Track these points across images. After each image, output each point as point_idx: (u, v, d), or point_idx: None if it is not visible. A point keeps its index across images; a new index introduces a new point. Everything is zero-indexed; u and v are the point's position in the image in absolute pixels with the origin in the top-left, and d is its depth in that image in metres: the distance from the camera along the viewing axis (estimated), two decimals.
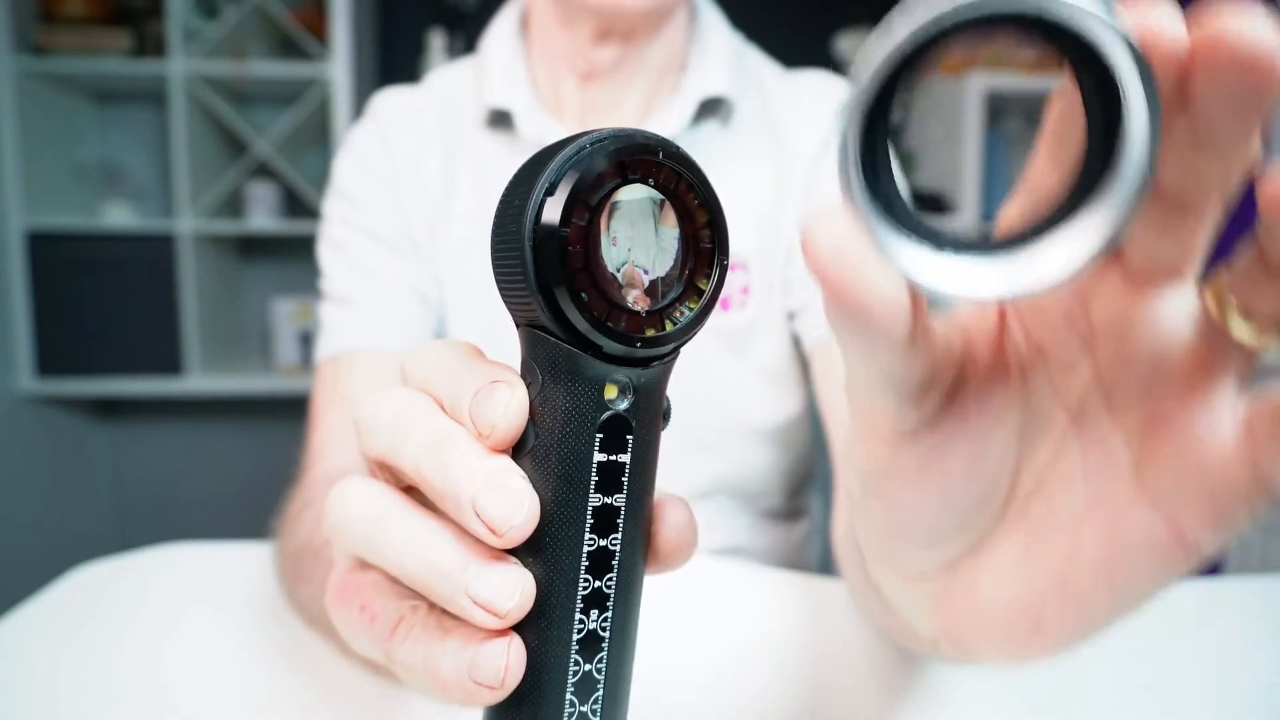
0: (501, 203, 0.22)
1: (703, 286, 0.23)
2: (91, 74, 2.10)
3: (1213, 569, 1.98)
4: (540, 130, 0.70)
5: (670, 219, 0.22)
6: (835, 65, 2.53)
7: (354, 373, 0.67)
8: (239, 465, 2.48)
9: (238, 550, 0.66)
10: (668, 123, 0.70)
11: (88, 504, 2.37)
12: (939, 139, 2.42)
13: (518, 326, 0.23)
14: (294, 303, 2.25)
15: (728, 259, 0.23)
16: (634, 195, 0.22)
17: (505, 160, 0.72)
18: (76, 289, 2.09)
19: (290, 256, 2.41)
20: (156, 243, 2.11)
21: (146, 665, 0.51)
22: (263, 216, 2.21)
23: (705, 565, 0.61)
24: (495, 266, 0.23)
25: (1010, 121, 2.50)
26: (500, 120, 0.72)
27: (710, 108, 0.71)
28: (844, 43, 2.54)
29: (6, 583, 1.86)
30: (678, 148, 0.22)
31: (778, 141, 0.72)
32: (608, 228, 0.21)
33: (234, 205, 2.24)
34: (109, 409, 2.45)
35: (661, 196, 0.22)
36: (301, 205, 2.24)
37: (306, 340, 2.24)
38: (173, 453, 2.49)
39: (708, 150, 0.71)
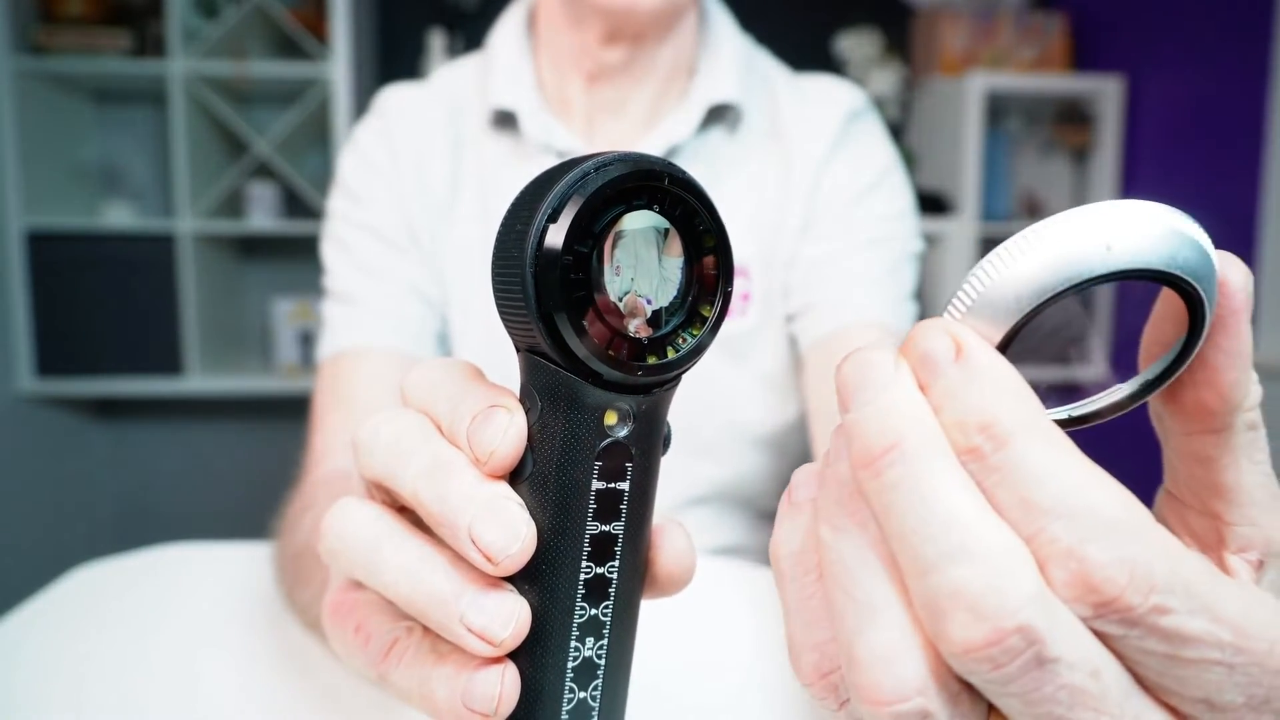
0: (503, 226, 0.22)
1: (705, 314, 0.22)
2: (91, 74, 2.10)
3: None
4: (545, 131, 0.70)
5: (674, 248, 0.22)
6: (835, 65, 2.53)
7: (356, 372, 0.67)
8: (239, 465, 2.48)
9: (237, 550, 0.66)
10: (675, 128, 0.69)
11: (88, 504, 2.37)
12: (939, 139, 2.42)
13: (518, 351, 0.23)
14: (294, 303, 2.26)
15: (731, 286, 0.23)
16: (638, 223, 0.21)
17: (510, 161, 0.71)
18: (76, 289, 2.09)
19: (290, 256, 2.41)
20: (156, 243, 2.11)
21: (146, 665, 0.51)
22: (263, 216, 2.21)
23: (702, 566, 0.61)
24: (496, 290, 0.22)
25: (1010, 121, 2.50)
26: (505, 120, 0.71)
27: (718, 114, 0.71)
28: (844, 43, 2.54)
29: (6, 583, 1.86)
30: (684, 173, 0.21)
31: (783, 146, 0.72)
32: (611, 257, 0.21)
33: (234, 205, 2.24)
34: (109, 409, 2.45)
35: (666, 224, 0.21)
36: (301, 205, 2.24)
37: (306, 340, 2.24)
38: (173, 453, 2.49)
39: (714, 157, 0.71)
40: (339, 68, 2.08)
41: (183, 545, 0.68)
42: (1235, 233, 1.95)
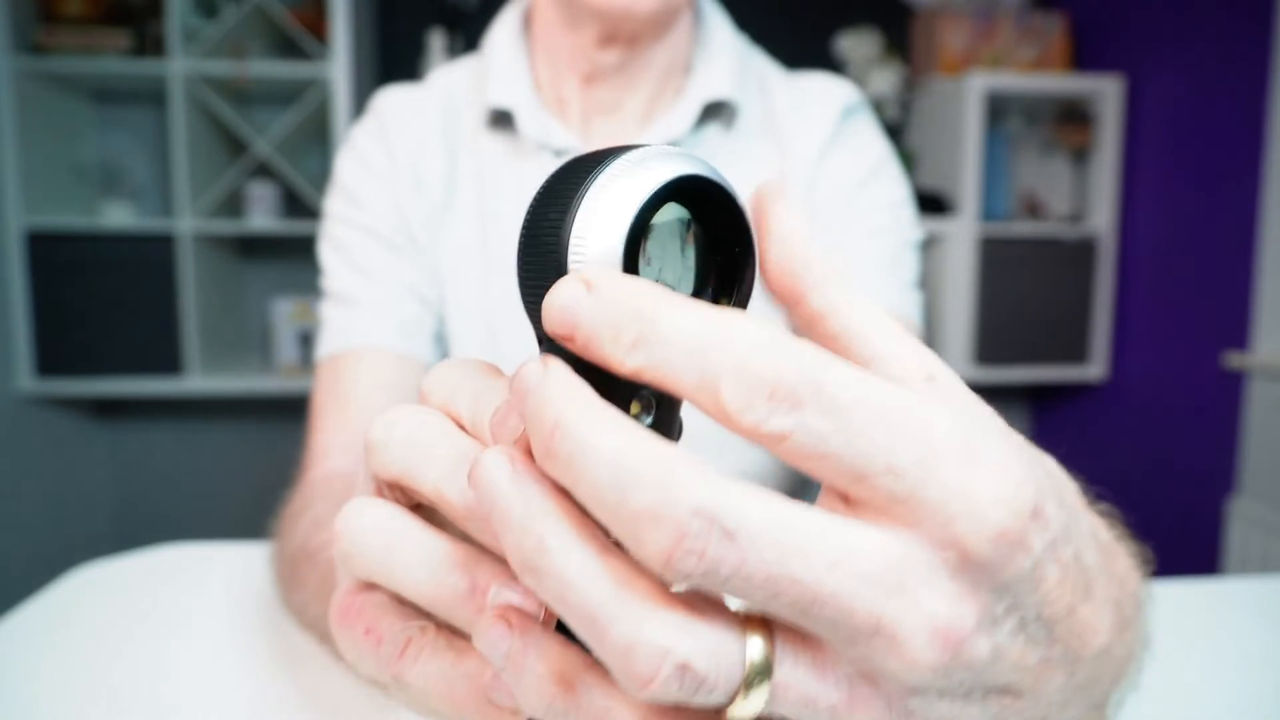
0: (533, 217, 0.22)
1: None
2: (91, 74, 2.10)
3: (1213, 569, 1.98)
4: (542, 130, 0.70)
5: (692, 237, 0.22)
6: (835, 65, 2.53)
7: (354, 372, 0.67)
8: (239, 465, 2.48)
9: (237, 550, 0.66)
10: (671, 126, 0.69)
11: (88, 504, 2.37)
12: (939, 139, 2.42)
13: (540, 343, 0.23)
14: (294, 303, 2.26)
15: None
16: (667, 216, 0.22)
17: (506, 160, 0.72)
18: (76, 289, 2.09)
19: (290, 256, 2.41)
20: (156, 243, 2.11)
21: (145, 665, 0.51)
22: (263, 216, 2.21)
23: None
24: (524, 280, 0.22)
25: (1010, 121, 2.50)
26: (501, 120, 0.72)
27: (714, 111, 0.71)
28: (844, 43, 2.54)
29: (6, 583, 1.86)
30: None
31: (780, 144, 0.72)
32: (643, 249, 0.21)
33: (234, 205, 2.24)
34: (109, 409, 2.45)
35: (689, 217, 0.22)
36: (301, 205, 2.25)
37: (306, 340, 2.24)
38: (173, 453, 2.49)
39: (710, 154, 0.71)
40: (339, 68, 2.08)
41: (182, 545, 0.68)
42: (1235, 232, 1.95)
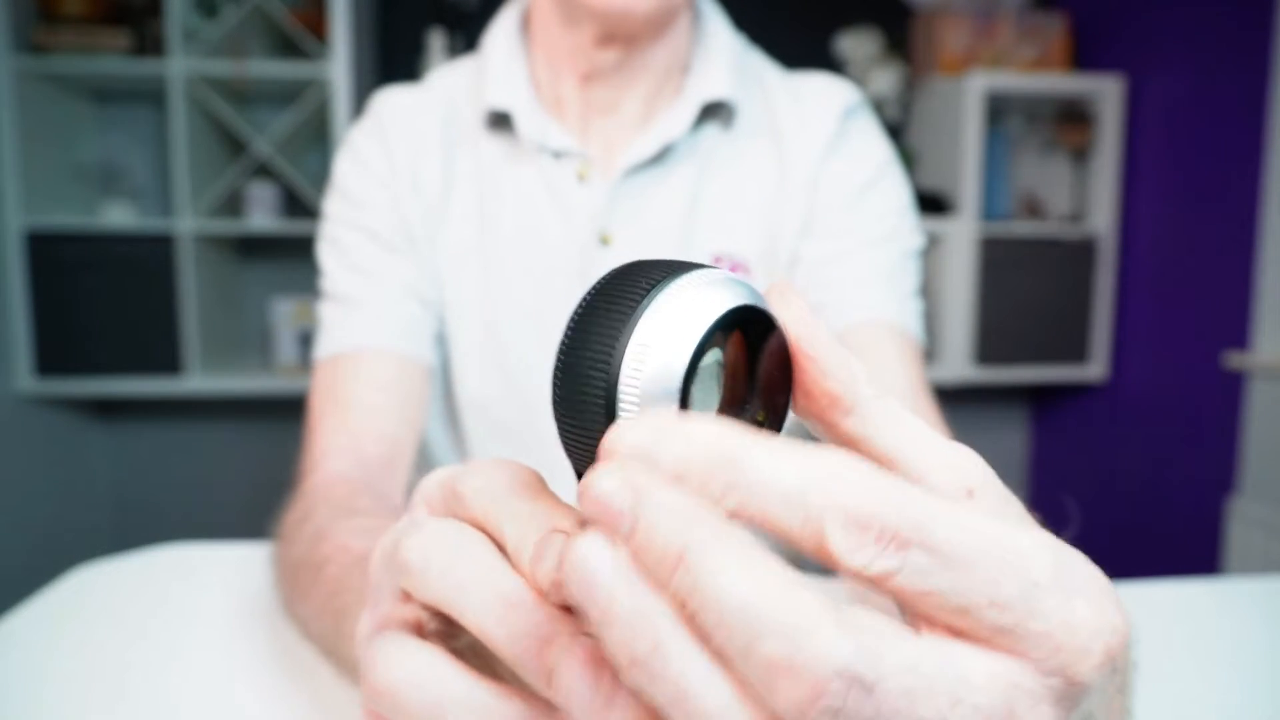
0: (573, 347, 0.21)
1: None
2: (91, 74, 2.10)
3: (1213, 569, 1.98)
4: (540, 131, 0.70)
5: (725, 377, 0.22)
6: (835, 65, 2.53)
7: (353, 374, 0.67)
8: (238, 465, 2.48)
9: (237, 550, 0.66)
10: (669, 127, 0.69)
11: (87, 504, 2.37)
12: (939, 139, 2.42)
13: (578, 475, 0.22)
14: (294, 303, 2.26)
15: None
16: (707, 359, 0.21)
17: (505, 161, 0.72)
18: (76, 289, 2.09)
19: (290, 256, 2.41)
20: (156, 243, 2.11)
21: (145, 665, 0.51)
22: (262, 216, 2.21)
23: None
24: (563, 417, 0.21)
25: (1010, 121, 2.50)
26: (500, 121, 0.72)
27: (712, 111, 0.71)
28: (844, 43, 2.54)
29: (6, 583, 1.86)
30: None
31: (780, 144, 0.72)
32: (690, 395, 0.20)
33: (234, 205, 2.24)
34: (108, 409, 2.45)
35: (721, 357, 0.21)
36: (301, 205, 2.24)
37: (306, 340, 2.24)
38: (172, 453, 2.49)
39: (708, 154, 0.71)
40: (339, 68, 2.08)
41: (182, 545, 0.68)
42: (1235, 232, 1.95)
